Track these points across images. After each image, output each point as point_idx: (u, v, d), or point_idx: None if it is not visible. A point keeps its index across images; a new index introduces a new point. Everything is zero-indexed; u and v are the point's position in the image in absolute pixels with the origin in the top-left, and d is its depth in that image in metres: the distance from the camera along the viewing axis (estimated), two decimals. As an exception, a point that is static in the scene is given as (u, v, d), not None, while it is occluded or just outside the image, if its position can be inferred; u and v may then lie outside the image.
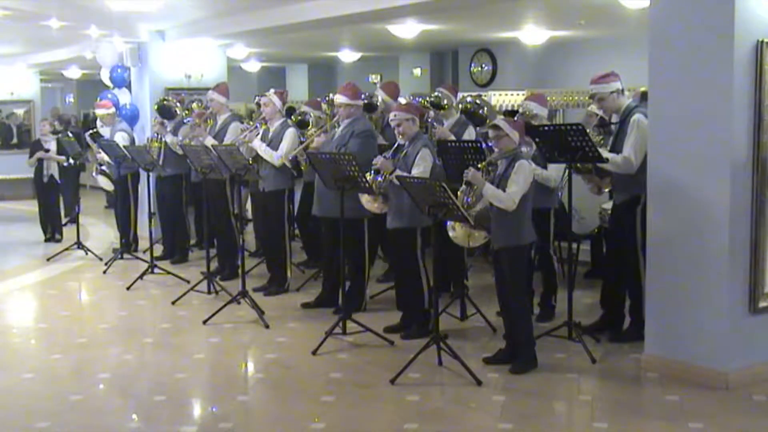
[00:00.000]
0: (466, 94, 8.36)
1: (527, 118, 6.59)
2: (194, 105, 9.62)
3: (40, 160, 11.31)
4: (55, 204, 11.54)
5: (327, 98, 9.23)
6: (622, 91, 6.18)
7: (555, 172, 6.40)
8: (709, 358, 5.30)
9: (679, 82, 5.33)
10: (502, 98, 11.43)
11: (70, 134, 11.83)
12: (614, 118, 6.21)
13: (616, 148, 6.04)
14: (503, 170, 5.54)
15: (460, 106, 7.68)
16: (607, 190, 6.69)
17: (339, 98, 7.10)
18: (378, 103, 8.24)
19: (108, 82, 11.50)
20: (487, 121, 7.08)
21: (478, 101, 7.59)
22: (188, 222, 9.97)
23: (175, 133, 9.26)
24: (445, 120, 7.58)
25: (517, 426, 4.80)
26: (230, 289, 7.53)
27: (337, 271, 7.18)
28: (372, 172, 6.37)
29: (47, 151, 11.28)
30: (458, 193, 5.73)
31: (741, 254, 5.21)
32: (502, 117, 6.33)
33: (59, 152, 11.22)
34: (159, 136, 9.38)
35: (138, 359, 6.34)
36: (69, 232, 11.01)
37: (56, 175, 11.38)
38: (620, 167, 5.95)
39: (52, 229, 11.43)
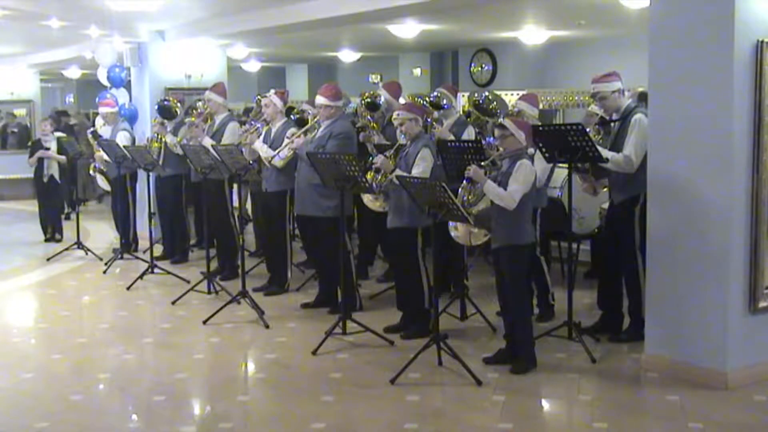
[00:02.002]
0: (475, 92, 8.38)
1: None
2: (200, 104, 9.60)
3: (41, 160, 11.30)
4: (55, 204, 11.54)
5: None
6: (623, 91, 6.19)
7: (540, 171, 6.40)
8: (709, 358, 5.30)
9: (679, 82, 5.33)
10: (502, 98, 11.44)
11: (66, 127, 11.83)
12: (614, 118, 6.22)
13: (616, 148, 6.04)
14: (506, 169, 5.53)
15: (473, 98, 7.66)
16: (603, 190, 6.69)
17: (319, 99, 7.14)
18: (381, 103, 8.24)
19: (105, 82, 11.50)
20: (496, 112, 7.08)
21: (490, 96, 7.56)
22: (188, 222, 9.97)
23: (175, 133, 9.26)
24: (445, 120, 7.58)
25: (517, 426, 4.79)
26: (230, 289, 7.53)
27: (325, 269, 7.22)
28: (372, 170, 6.39)
29: (48, 149, 11.27)
30: (459, 190, 5.73)
31: (741, 254, 5.21)
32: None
33: (60, 152, 11.22)
34: (159, 137, 9.38)
35: (138, 359, 6.34)
36: (69, 232, 11.00)
37: (56, 175, 11.37)
38: (621, 166, 5.95)
39: (52, 229, 11.42)
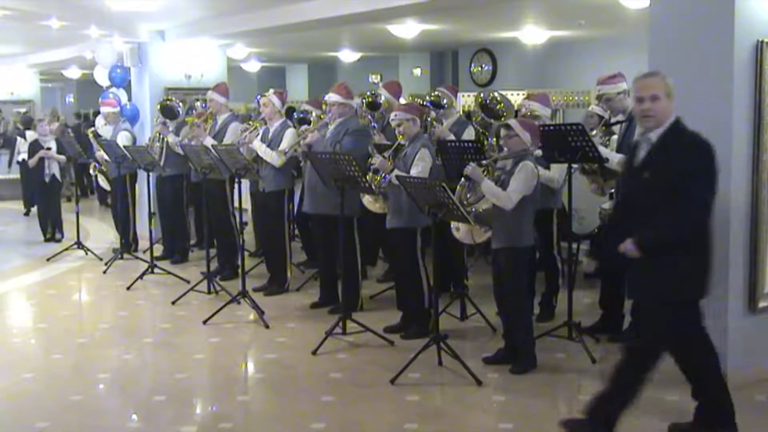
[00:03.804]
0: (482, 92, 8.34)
1: (530, 119, 6.57)
2: (197, 105, 9.60)
3: (41, 160, 11.30)
4: (55, 204, 11.53)
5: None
6: (628, 92, 6.18)
7: (557, 173, 6.39)
8: (709, 358, 5.29)
9: (679, 82, 5.30)
10: (502, 98, 11.42)
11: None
12: (620, 119, 6.20)
13: (622, 149, 6.03)
14: (509, 169, 5.52)
15: (479, 98, 7.64)
16: (612, 190, 6.68)
17: (332, 97, 7.13)
18: (381, 102, 8.25)
19: (101, 82, 11.50)
20: (502, 117, 7.06)
21: (498, 96, 7.56)
22: (189, 222, 9.97)
23: (177, 133, 9.26)
24: (445, 120, 7.58)
25: (517, 426, 4.80)
26: (230, 289, 7.53)
27: (332, 269, 7.21)
28: (371, 171, 6.39)
29: (49, 149, 11.27)
30: (458, 187, 5.73)
31: (741, 254, 5.21)
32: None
33: (59, 152, 11.23)
34: (161, 136, 9.38)
35: (138, 359, 6.34)
36: (69, 232, 11.01)
37: (57, 175, 11.37)
38: None
39: (52, 229, 11.42)
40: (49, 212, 11.49)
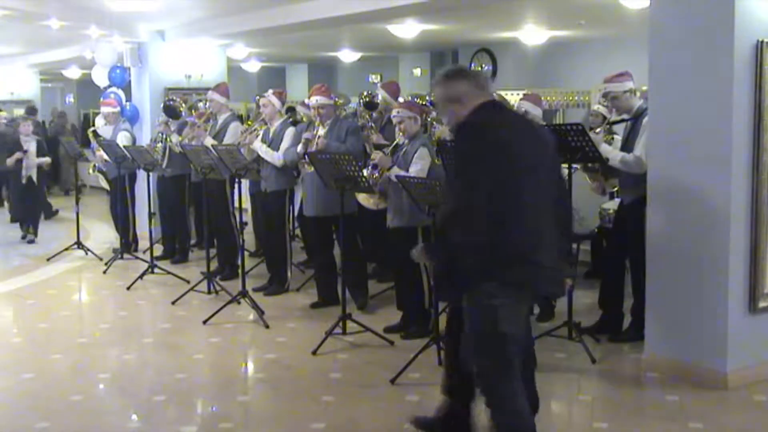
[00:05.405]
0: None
1: None
2: (201, 104, 9.59)
3: (19, 161, 11.29)
4: (33, 204, 11.54)
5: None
6: (635, 91, 6.18)
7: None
8: (709, 358, 5.30)
9: (679, 82, 5.33)
10: (502, 98, 11.42)
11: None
12: (625, 117, 6.21)
13: (627, 148, 6.03)
14: None
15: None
16: (614, 189, 6.68)
17: (320, 100, 7.11)
18: (378, 102, 8.26)
19: (99, 82, 11.49)
20: None
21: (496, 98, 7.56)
22: (189, 222, 9.97)
23: (179, 133, 9.25)
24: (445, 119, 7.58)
25: (517, 426, 4.78)
26: (230, 289, 7.53)
27: (329, 269, 7.24)
28: (369, 167, 6.41)
29: (25, 151, 11.25)
30: None
31: (741, 254, 5.21)
32: None
33: (38, 153, 11.24)
34: (164, 136, 9.37)
35: (138, 359, 6.34)
36: (69, 232, 11.00)
37: (34, 177, 11.32)
38: (631, 167, 5.94)
39: (27, 228, 11.40)
40: (27, 213, 11.49)
